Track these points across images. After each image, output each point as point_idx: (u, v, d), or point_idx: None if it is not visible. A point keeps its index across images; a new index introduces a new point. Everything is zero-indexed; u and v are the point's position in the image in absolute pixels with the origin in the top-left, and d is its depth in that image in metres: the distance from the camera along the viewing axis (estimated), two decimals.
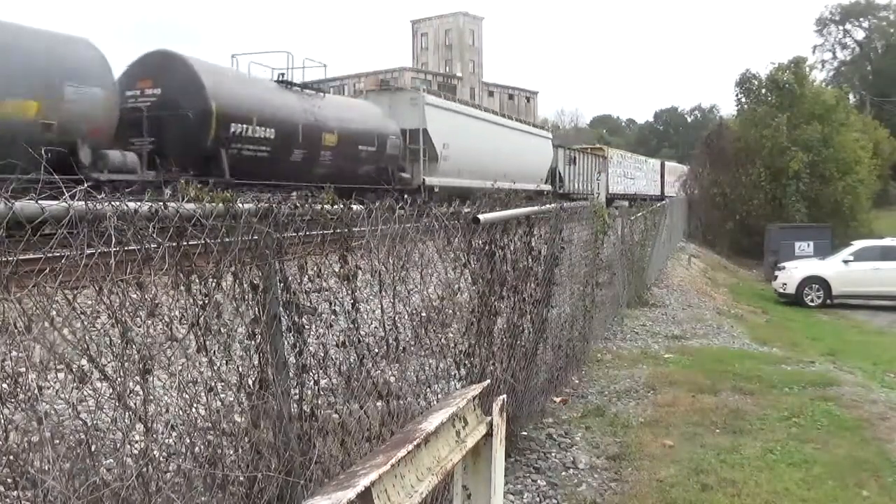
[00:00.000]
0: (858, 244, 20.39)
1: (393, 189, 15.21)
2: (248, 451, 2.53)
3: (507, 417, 2.83)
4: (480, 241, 4.30)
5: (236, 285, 2.50)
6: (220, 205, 2.38)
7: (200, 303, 2.31)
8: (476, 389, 2.60)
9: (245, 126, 13.58)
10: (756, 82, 34.55)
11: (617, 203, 22.35)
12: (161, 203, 2.16)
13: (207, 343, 2.33)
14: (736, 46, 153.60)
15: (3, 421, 1.78)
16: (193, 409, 2.29)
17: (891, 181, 46.84)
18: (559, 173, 30.38)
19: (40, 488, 1.81)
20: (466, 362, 4.08)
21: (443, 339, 3.84)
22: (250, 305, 2.56)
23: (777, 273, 20.64)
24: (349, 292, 3.00)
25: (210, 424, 2.36)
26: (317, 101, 16.19)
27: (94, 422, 1.99)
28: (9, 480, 1.87)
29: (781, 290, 19.88)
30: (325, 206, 2.86)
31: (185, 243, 2.23)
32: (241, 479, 2.46)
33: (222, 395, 2.43)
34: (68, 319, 1.93)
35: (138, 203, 2.07)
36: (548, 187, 27.29)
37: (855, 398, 7.22)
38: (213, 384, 2.35)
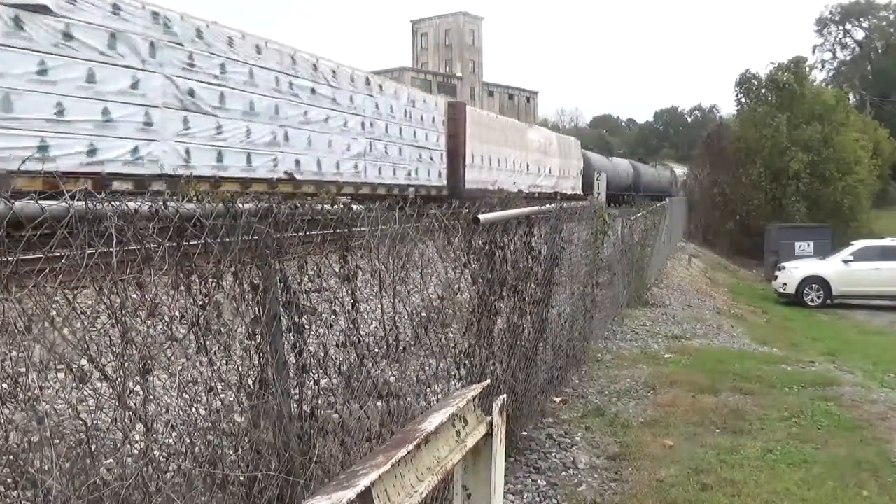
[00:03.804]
0: (858, 244, 20.40)
1: None
2: (248, 451, 2.53)
3: (507, 417, 2.83)
4: (480, 241, 4.30)
5: (236, 285, 2.50)
6: (220, 205, 2.38)
7: (200, 303, 2.31)
8: (476, 389, 2.60)
9: None
10: (756, 82, 34.60)
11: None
12: (161, 203, 2.15)
13: (207, 343, 2.32)
14: (736, 46, 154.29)
15: (3, 421, 1.78)
16: (193, 409, 2.29)
17: (891, 181, 46.85)
18: None
19: (40, 488, 1.81)
20: (466, 362, 4.07)
21: (443, 339, 3.84)
22: (250, 305, 2.56)
23: (777, 273, 20.65)
24: (349, 292, 3.00)
25: (210, 424, 2.36)
26: None
27: (94, 422, 1.99)
28: (9, 480, 1.87)
29: (781, 290, 19.89)
30: (325, 205, 2.86)
31: (185, 243, 2.23)
32: (241, 479, 2.46)
33: (222, 395, 2.43)
34: (68, 319, 1.93)
35: (138, 203, 2.07)
36: None
37: (855, 398, 7.22)
38: (213, 384, 2.35)
